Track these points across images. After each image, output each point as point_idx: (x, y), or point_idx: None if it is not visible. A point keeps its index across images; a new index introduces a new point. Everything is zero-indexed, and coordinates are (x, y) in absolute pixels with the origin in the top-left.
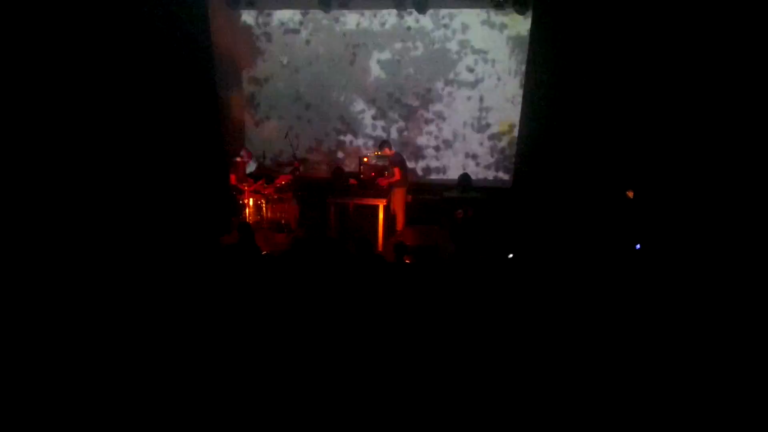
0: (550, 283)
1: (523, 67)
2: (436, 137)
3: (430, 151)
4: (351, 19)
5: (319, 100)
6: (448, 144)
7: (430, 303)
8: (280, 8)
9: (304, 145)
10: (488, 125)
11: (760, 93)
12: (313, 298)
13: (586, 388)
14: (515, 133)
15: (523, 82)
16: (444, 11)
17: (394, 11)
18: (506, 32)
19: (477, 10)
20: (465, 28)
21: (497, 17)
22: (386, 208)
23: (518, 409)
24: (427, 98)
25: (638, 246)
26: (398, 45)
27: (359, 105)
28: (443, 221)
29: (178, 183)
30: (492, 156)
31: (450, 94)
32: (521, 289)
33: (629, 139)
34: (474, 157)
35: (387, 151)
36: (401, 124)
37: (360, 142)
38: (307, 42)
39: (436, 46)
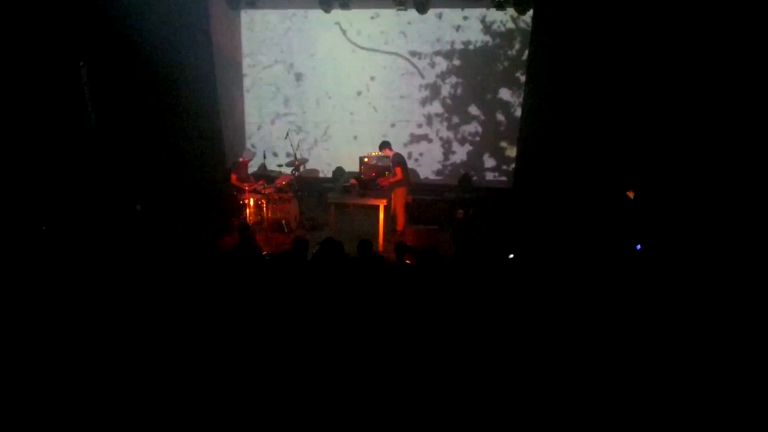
0: (551, 284)
1: (524, 66)
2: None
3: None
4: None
5: (319, 100)
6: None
7: (431, 303)
8: (281, 8)
9: (305, 146)
10: (490, 124)
11: (760, 93)
12: (314, 299)
13: (587, 389)
14: (516, 133)
15: (524, 81)
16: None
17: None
18: (506, 32)
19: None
20: (465, 27)
21: (498, 17)
22: (387, 209)
23: (519, 410)
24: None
25: (639, 246)
26: (399, 45)
27: (359, 105)
28: (444, 222)
29: (179, 183)
30: (493, 155)
31: (452, 92)
32: (522, 290)
33: (630, 139)
34: (474, 156)
35: (387, 151)
36: (401, 124)
37: (360, 142)
38: (308, 42)
39: (437, 45)
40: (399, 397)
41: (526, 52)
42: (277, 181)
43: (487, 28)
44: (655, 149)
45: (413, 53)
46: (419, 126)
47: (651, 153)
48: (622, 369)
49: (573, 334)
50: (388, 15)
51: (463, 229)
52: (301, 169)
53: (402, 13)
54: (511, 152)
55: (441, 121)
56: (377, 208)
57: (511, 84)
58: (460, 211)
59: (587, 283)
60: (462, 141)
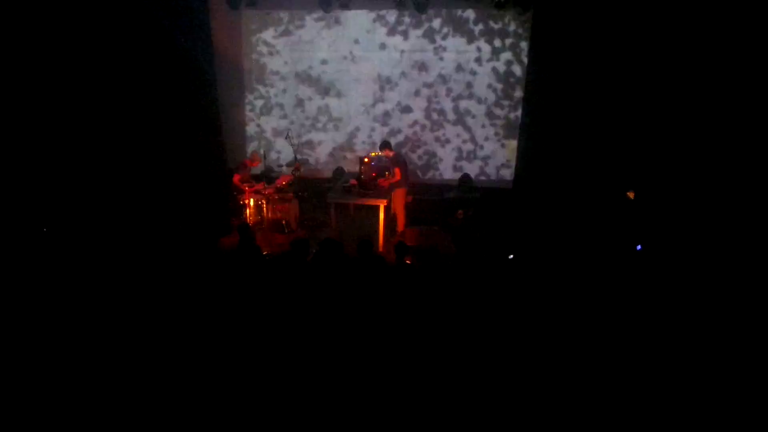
0: (551, 284)
1: (524, 66)
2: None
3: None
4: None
5: (319, 99)
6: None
7: (432, 304)
8: (281, 8)
9: (305, 146)
10: (490, 124)
11: (760, 93)
12: (314, 299)
13: (587, 388)
14: (516, 133)
15: (524, 81)
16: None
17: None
18: (507, 32)
19: (477, 10)
20: (465, 27)
21: (498, 16)
22: (387, 209)
23: (519, 410)
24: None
25: (639, 247)
26: (399, 44)
27: (359, 104)
28: (444, 222)
29: (179, 183)
30: (493, 155)
31: (452, 91)
32: (522, 290)
33: (630, 139)
34: (474, 156)
35: (387, 151)
36: (401, 124)
37: (360, 141)
38: (308, 42)
39: (437, 44)
40: (399, 397)
41: (526, 52)
42: (277, 181)
43: (487, 27)
44: (656, 149)
45: (413, 53)
46: (419, 125)
47: (651, 153)
48: (622, 368)
49: (573, 334)
50: (388, 15)
51: (464, 230)
52: (301, 169)
53: (403, 12)
54: (511, 150)
55: (441, 121)
56: (377, 208)
57: (511, 83)
58: (460, 211)
59: (587, 284)
60: (462, 141)
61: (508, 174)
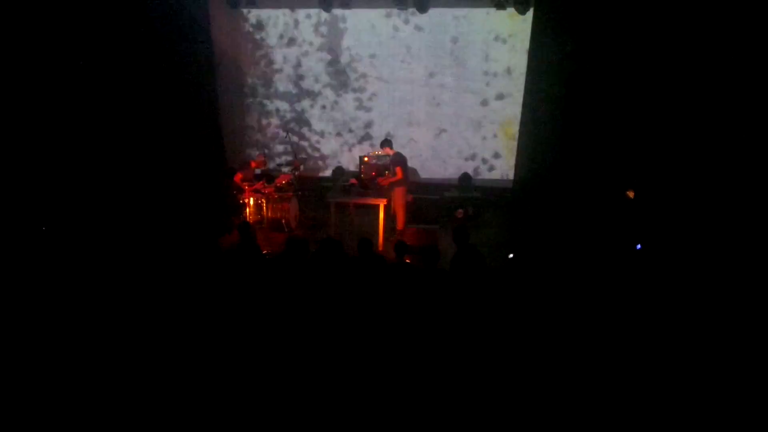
0: (551, 283)
1: (524, 66)
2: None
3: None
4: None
5: (319, 98)
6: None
7: (431, 303)
8: (281, 7)
9: (305, 145)
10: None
11: (760, 91)
12: (314, 298)
13: (586, 388)
14: (516, 132)
15: (524, 80)
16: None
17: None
18: (506, 31)
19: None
20: (465, 26)
21: (498, 16)
22: (387, 208)
23: (519, 409)
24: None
25: (639, 246)
26: (398, 44)
27: (358, 103)
28: (443, 221)
29: (178, 182)
30: (493, 155)
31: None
32: (522, 289)
33: (630, 138)
34: (474, 155)
35: (388, 150)
36: (400, 123)
37: (360, 139)
38: (308, 41)
39: (437, 43)
40: (399, 396)
41: (526, 52)
42: (277, 181)
43: (487, 27)
44: (656, 149)
45: (412, 52)
46: (418, 125)
47: (651, 152)
48: (621, 367)
49: (573, 334)
50: (388, 13)
51: (464, 229)
52: (301, 168)
53: (402, 12)
54: (509, 136)
55: (440, 120)
56: (377, 207)
57: (511, 83)
58: (460, 210)
59: (587, 283)
60: (462, 140)
61: (508, 173)
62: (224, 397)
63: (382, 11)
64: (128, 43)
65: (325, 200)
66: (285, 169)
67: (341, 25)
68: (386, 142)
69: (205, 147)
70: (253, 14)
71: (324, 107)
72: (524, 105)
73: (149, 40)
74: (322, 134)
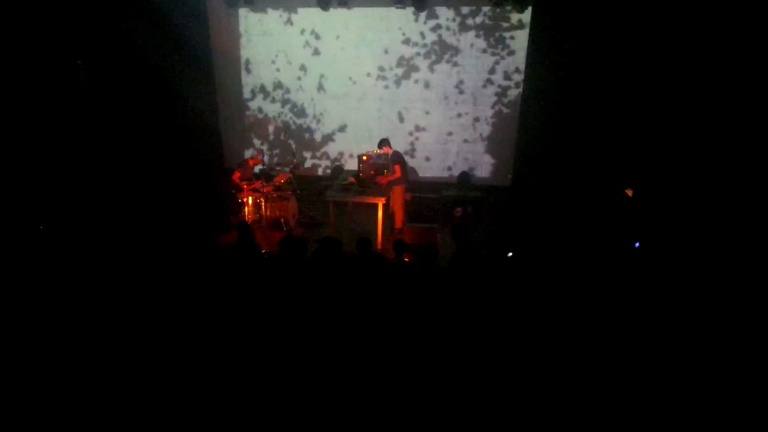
0: (550, 282)
1: (522, 64)
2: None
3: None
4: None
5: (318, 97)
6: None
7: (431, 302)
8: (279, 7)
9: (303, 144)
10: (488, 121)
11: (759, 89)
12: (313, 297)
13: (586, 386)
14: (515, 130)
15: (523, 79)
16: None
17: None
18: (505, 29)
19: (476, 8)
20: (464, 24)
21: (496, 14)
22: (385, 207)
23: (519, 408)
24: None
25: (637, 244)
26: (398, 42)
27: (358, 102)
28: (442, 220)
29: (176, 181)
30: (492, 153)
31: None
32: (521, 288)
33: (628, 137)
34: (472, 154)
35: (387, 149)
36: (399, 121)
37: (358, 139)
38: (307, 39)
39: (436, 42)
40: (398, 395)
41: (525, 50)
42: (276, 179)
43: (485, 25)
44: (654, 147)
45: (411, 50)
46: (418, 124)
47: (649, 150)
48: (620, 366)
49: (572, 332)
50: (387, 12)
51: (463, 227)
52: (299, 167)
53: (401, 10)
54: (508, 131)
55: (439, 119)
56: (376, 206)
57: (510, 81)
58: (459, 209)
59: (586, 281)
60: (460, 138)
61: (506, 172)
62: (222, 396)
63: (380, 9)
64: (126, 42)
65: (324, 199)
66: (284, 169)
67: (339, 23)
68: (385, 141)
69: (204, 146)
70: (252, 13)
71: (322, 105)
72: (522, 103)
73: (148, 39)
74: (320, 133)
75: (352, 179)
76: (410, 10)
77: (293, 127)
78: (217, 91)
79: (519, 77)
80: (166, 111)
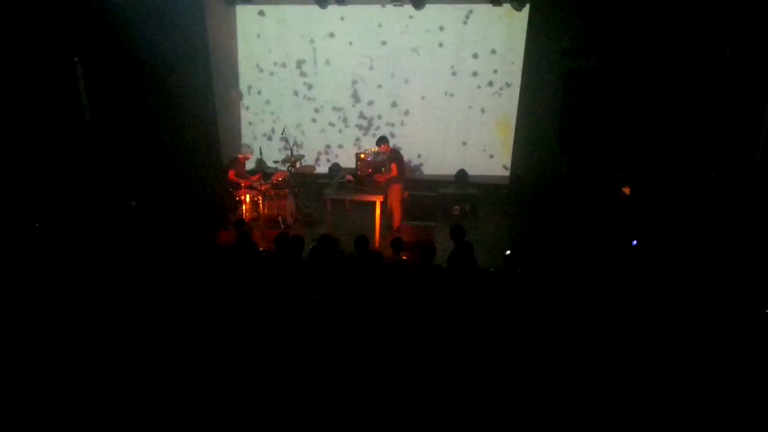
0: (548, 280)
1: (521, 62)
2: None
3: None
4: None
5: (316, 93)
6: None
7: (428, 300)
8: (276, 3)
9: (300, 141)
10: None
11: (758, 87)
12: (310, 296)
13: (585, 384)
14: (512, 128)
15: (521, 76)
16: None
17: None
18: (503, 27)
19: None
20: (462, 22)
21: (494, 11)
22: (383, 205)
23: (518, 407)
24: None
25: (635, 242)
26: (396, 40)
27: (354, 98)
28: (440, 218)
29: (174, 179)
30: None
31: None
32: (519, 285)
33: (627, 134)
34: (471, 152)
35: (385, 147)
36: (398, 118)
37: (357, 136)
38: (305, 37)
39: (434, 40)
40: (396, 393)
41: (523, 47)
42: (274, 177)
43: (483, 22)
44: (652, 145)
45: (410, 48)
46: (415, 121)
47: (647, 149)
48: (618, 363)
49: (570, 329)
50: (384, 9)
51: (461, 226)
52: (297, 165)
53: (399, 8)
54: (503, 126)
55: (437, 116)
56: (374, 204)
57: (508, 78)
58: (457, 206)
59: (584, 279)
60: (458, 136)
61: (504, 169)
62: (219, 395)
63: (377, 6)
64: (123, 40)
65: (322, 197)
66: (281, 166)
67: (336, 20)
68: (383, 139)
69: (201, 143)
70: (249, 10)
71: (319, 103)
72: (520, 101)
73: (144, 36)
74: (318, 131)
75: (349, 177)
76: (408, 6)
77: (291, 124)
78: (214, 88)
79: (517, 74)
80: (163, 107)
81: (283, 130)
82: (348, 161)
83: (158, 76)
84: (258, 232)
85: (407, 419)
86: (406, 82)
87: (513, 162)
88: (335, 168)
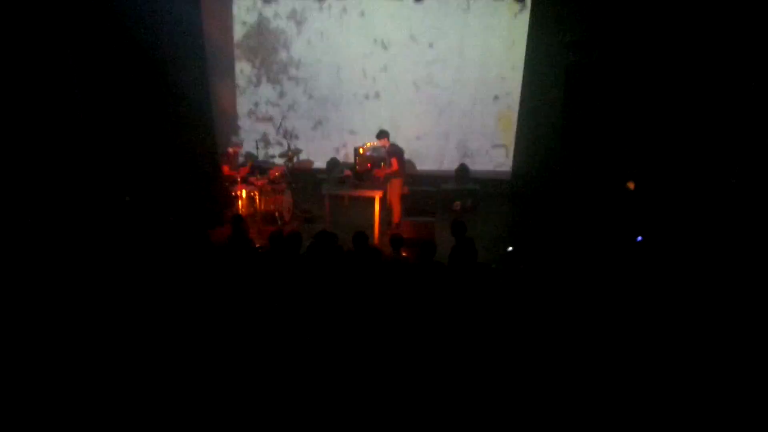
0: (551, 277)
1: (523, 57)
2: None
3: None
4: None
5: (314, 89)
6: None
7: (428, 297)
8: None
9: (298, 136)
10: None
11: (759, 86)
12: (308, 292)
13: (585, 382)
14: (514, 122)
15: (523, 72)
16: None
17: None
18: (505, 22)
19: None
20: (463, 16)
21: (497, 6)
22: (382, 200)
23: (518, 405)
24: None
25: (640, 238)
26: (395, 34)
27: (351, 93)
28: (440, 213)
29: (169, 174)
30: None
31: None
32: (521, 283)
33: (630, 129)
34: (471, 147)
35: (384, 141)
36: (398, 114)
37: (356, 132)
38: (302, 30)
39: (435, 34)
40: (396, 391)
41: (525, 42)
42: (271, 172)
43: (486, 17)
44: (656, 140)
45: (411, 42)
46: (416, 116)
47: (651, 143)
48: (621, 361)
49: (573, 326)
50: (386, 1)
51: (462, 222)
52: (294, 160)
53: (399, 2)
54: (505, 123)
55: (438, 111)
56: (373, 199)
57: (510, 72)
58: (457, 202)
59: (587, 275)
60: (459, 130)
61: (506, 164)
62: (214, 392)
63: (377, 1)
64: (116, 32)
65: (320, 193)
66: (278, 161)
67: (334, 15)
68: (382, 133)
69: (196, 137)
70: (245, 3)
71: (317, 97)
72: (522, 96)
73: (137, 28)
74: (316, 125)
75: (348, 172)
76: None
77: (288, 117)
78: (210, 81)
79: (519, 68)
80: (157, 99)
81: (280, 124)
82: (347, 156)
83: (151, 66)
84: (254, 228)
85: (408, 417)
86: (406, 74)
87: (515, 156)
88: (333, 163)
